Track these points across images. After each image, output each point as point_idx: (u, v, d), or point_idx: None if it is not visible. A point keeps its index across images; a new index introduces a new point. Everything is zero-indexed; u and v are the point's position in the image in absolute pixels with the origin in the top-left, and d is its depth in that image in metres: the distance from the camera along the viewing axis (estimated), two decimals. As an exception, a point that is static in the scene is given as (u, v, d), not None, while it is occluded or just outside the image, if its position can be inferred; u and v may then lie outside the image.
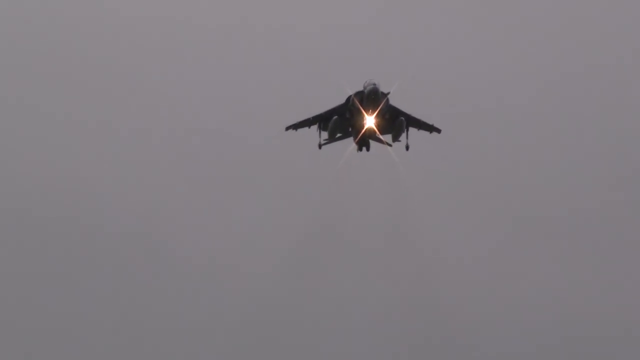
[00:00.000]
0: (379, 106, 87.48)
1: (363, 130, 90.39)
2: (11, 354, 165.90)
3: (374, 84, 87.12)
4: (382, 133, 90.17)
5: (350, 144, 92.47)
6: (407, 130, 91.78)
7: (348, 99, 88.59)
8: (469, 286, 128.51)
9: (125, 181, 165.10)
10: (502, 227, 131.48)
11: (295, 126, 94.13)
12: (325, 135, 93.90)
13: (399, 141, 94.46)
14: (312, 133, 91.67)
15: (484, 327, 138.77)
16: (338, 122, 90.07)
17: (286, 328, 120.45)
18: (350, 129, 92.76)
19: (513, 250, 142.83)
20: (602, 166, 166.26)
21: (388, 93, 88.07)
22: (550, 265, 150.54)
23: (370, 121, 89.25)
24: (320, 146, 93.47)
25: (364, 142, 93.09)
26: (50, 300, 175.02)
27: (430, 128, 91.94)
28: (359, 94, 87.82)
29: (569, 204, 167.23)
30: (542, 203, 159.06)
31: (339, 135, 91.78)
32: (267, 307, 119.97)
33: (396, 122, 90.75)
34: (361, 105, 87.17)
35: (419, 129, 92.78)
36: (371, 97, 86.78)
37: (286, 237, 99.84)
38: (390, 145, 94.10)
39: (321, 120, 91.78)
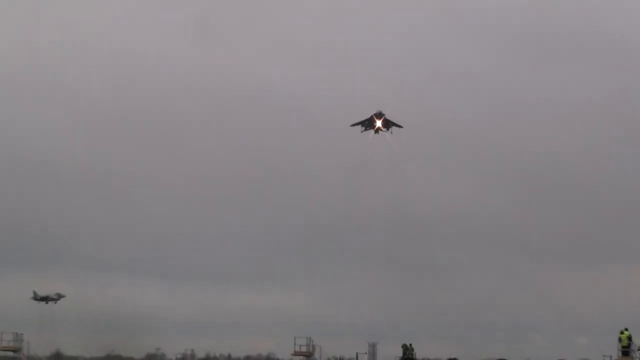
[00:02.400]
0: (382, 118, 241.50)
1: (376, 127, 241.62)
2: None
3: (380, 111, 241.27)
4: (382, 127, 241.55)
5: (371, 132, 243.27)
6: (391, 126, 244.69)
7: (371, 116, 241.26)
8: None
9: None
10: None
11: (354, 124, 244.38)
12: (362, 128, 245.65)
13: (389, 130, 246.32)
14: (358, 128, 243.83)
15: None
16: (367, 124, 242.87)
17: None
18: (372, 126, 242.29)
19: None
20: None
21: (385, 114, 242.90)
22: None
23: (378, 123, 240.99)
24: (361, 132, 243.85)
25: (376, 131, 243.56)
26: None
27: (398, 126, 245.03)
28: (375, 114, 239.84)
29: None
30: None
31: (369, 129, 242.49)
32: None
33: (388, 124, 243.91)
34: (375, 117, 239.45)
35: (394, 126, 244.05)
36: (379, 115, 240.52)
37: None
38: (385, 132, 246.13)
39: (361, 123, 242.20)
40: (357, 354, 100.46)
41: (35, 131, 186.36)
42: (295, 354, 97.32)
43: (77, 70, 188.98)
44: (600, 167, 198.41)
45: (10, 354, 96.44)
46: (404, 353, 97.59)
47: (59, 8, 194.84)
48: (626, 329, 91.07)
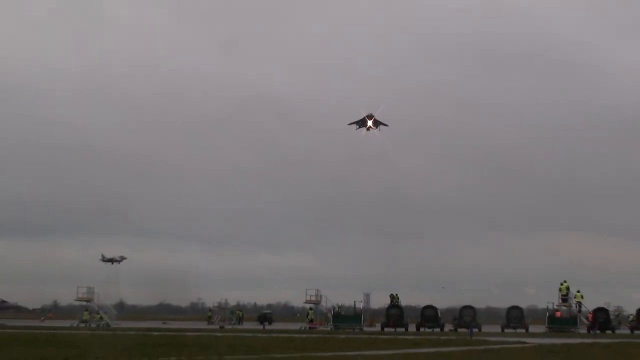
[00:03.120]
0: (372, 118, 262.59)
1: (367, 126, 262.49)
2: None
3: (371, 113, 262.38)
4: (372, 126, 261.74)
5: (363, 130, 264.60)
6: (380, 125, 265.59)
7: (363, 117, 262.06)
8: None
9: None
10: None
11: (350, 124, 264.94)
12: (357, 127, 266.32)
13: (378, 128, 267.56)
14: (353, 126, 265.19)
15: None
16: (360, 123, 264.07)
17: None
18: (364, 125, 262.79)
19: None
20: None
21: (374, 115, 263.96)
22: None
23: (369, 123, 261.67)
24: (356, 129, 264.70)
25: (368, 129, 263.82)
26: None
27: (385, 125, 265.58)
28: (366, 115, 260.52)
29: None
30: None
31: (362, 127, 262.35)
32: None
33: (377, 123, 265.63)
34: (367, 118, 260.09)
35: (382, 125, 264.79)
36: (370, 116, 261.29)
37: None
38: (375, 130, 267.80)
39: (356, 122, 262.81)
40: (354, 302, 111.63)
41: (103, 130, 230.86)
42: (306, 302, 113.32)
43: (136, 84, 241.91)
44: (542, 155, 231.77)
45: (85, 303, 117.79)
46: (392, 301, 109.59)
47: (121, 40, 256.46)
48: (565, 281, 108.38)
